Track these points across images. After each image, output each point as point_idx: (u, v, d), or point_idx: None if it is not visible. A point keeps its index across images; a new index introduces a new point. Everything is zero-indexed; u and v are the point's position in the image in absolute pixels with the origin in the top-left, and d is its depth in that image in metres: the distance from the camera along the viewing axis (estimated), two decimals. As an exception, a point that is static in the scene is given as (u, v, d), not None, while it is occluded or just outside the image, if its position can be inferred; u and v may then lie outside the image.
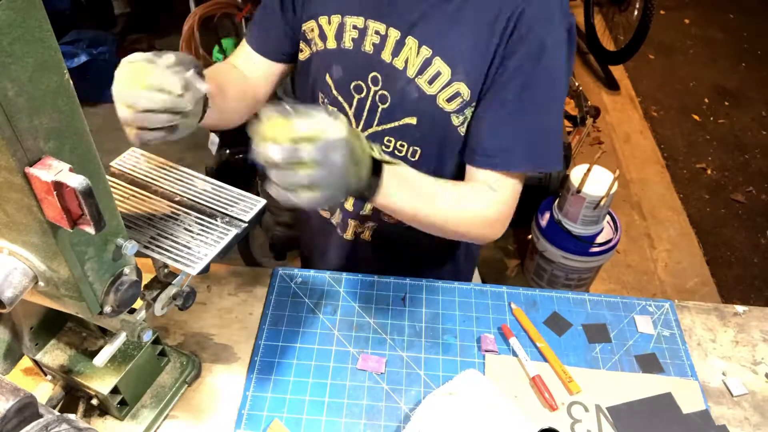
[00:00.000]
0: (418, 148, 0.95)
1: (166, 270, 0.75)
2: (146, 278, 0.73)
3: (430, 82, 0.87)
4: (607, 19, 3.74)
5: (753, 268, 2.56)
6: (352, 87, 0.93)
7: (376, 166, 0.74)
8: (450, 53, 0.85)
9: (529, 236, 2.25)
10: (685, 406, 0.89)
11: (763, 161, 3.10)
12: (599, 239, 2.07)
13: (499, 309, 1.02)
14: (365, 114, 0.95)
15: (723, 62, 3.75)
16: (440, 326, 0.99)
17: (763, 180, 2.99)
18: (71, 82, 0.50)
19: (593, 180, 1.95)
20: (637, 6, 3.32)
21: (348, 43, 0.90)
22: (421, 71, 0.87)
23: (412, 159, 0.96)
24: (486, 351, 0.95)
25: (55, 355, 0.80)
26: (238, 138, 2.53)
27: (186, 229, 0.73)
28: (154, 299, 0.75)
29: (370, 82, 0.91)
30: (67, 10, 3.43)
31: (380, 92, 0.91)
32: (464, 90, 0.86)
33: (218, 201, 0.77)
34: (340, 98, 0.95)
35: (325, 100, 0.98)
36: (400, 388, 0.91)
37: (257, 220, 0.76)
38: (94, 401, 0.80)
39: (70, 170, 0.49)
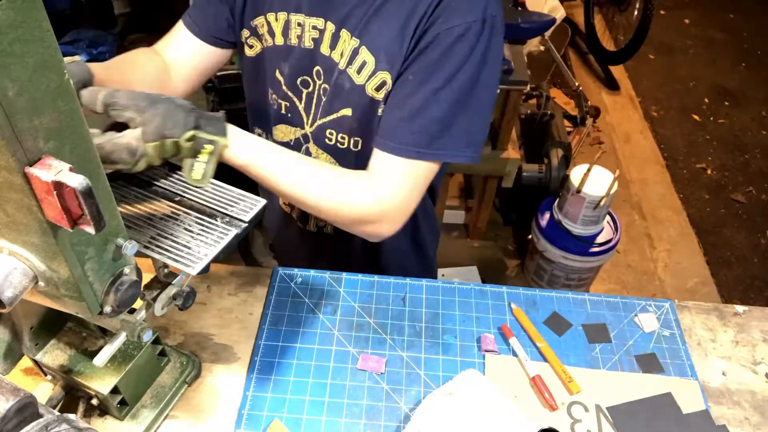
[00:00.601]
0: (359, 139, 0.96)
1: (166, 270, 0.75)
2: (146, 278, 0.73)
3: (359, 71, 0.88)
4: (607, 19, 3.74)
5: (753, 268, 2.56)
6: (299, 82, 0.95)
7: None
8: (374, 43, 0.86)
9: (529, 236, 2.25)
10: (685, 406, 0.89)
11: (763, 161, 3.10)
12: (599, 239, 2.07)
13: (499, 309, 1.02)
14: (313, 108, 0.96)
15: (723, 62, 3.76)
16: (440, 326, 0.99)
17: (763, 180, 2.99)
18: (71, 82, 0.50)
19: (593, 180, 1.95)
20: (637, 6, 3.32)
21: (294, 40, 0.92)
22: (350, 61, 0.88)
23: (355, 149, 0.97)
24: (486, 351, 0.95)
25: (55, 355, 0.80)
26: (238, 138, 2.53)
27: (186, 229, 0.73)
28: (154, 299, 0.75)
29: (315, 77, 0.93)
30: (67, 10, 3.43)
31: (323, 86, 0.93)
32: (388, 79, 0.87)
33: (218, 201, 0.77)
34: (290, 94, 0.97)
35: (275, 96, 0.99)
36: (400, 388, 0.91)
37: (257, 220, 0.76)
38: (94, 401, 0.80)
39: (70, 170, 0.49)
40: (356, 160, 0.97)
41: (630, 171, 2.97)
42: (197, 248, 0.70)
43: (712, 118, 3.36)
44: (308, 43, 0.91)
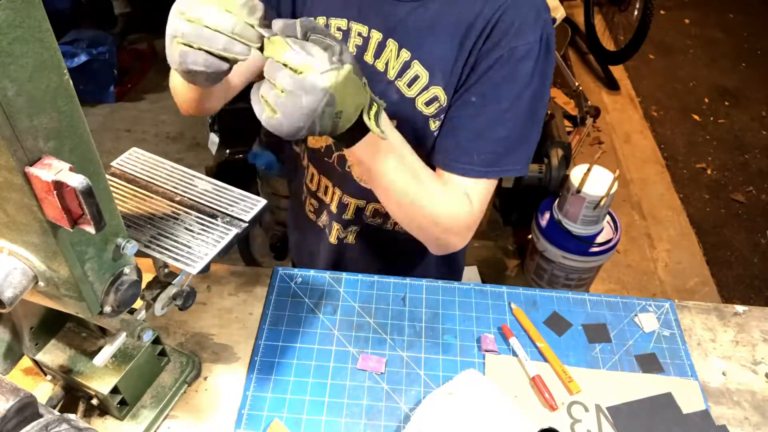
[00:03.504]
0: None
1: (166, 270, 0.76)
2: (146, 278, 0.73)
3: (409, 85, 0.88)
4: (607, 19, 3.74)
5: (753, 268, 2.56)
6: None
7: (362, 128, 0.71)
8: (428, 58, 0.86)
9: (529, 236, 2.25)
10: (685, 406, 0.89)
11: (763, 161, 3.10)
12: (599, 239, 2.07)
13: (499, 309, 1.02)
14: None
15: (723, 62, 3.76)
16: (440, 326, 0.99)
17: (763, 180, 2.99)
18: (71, 82, 0.50)
19: (593, 180, 1.95)
20: (637, 6, 3.32)
21: None
22: (400, 74, 0.88)
23: None
24: (486, 351, 0.95)
25: (55, 355, 0.80)
26: (238, 138, 2.53)
27: (186, 228, 0.73)
28: (154, 299, 0.75)
29: None
30: (67, 10, 3.43)
31: None
32: (441, 95, 0.87)
33: (219, 201, 0.77)
34: None
35: None
36: (400, 388, 0.91)
37: (258, 220, 0.76)
38: (94, 401, 0.80)
39: (70, 170, 0.49)
40: None
41: (630, 171, 2.97)
42: (197, 248, 0.70)
43: (712, 118, 3.36)
44: (351, 50, 0.89)
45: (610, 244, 2.06)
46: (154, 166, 0.81)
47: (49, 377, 0.85)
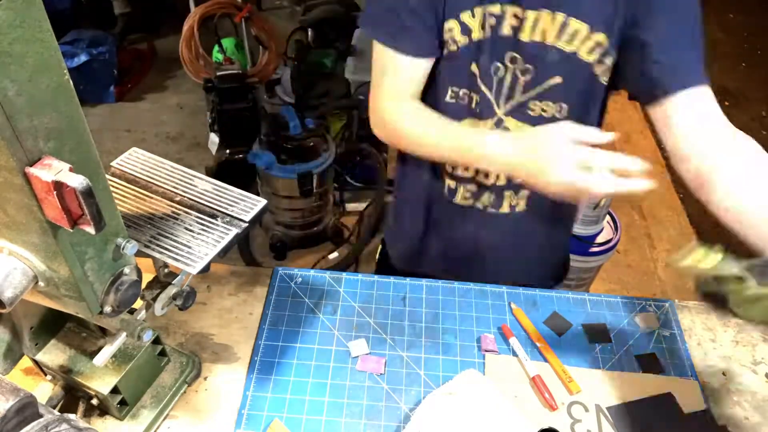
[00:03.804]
0: (564, 105, 0.97)
1: (166, 270, 0.76)
2: (146, 278, 0.73)
3: (570, 40, 0.91)
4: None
5: (753, 268, 2.56)
6: (492, 70, 0.95)
7: None
8: (583, 11, 0.88)
9: (529, 236, 2.24)
10: (685, 406, 0.89)
11: (763, 161, 3.10)
12: (599, 239, 2.07)
13: (499, 309, 1.02)
14: (505, 90, 0.96)
15: (723, 62, 3.76)
16: (440, 326, 0.99)
17: (763, 180, 2.99)
18: (71, 82, 0.50)
19: (593, 180, 1.95)
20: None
21: (488, 32, 0.92)
22: (559, 35, 0.90)
23: (559, 116, 0.98)
24: (486, 351, 0.95)
25: (55, 355, 0.80)
26: (238, 138, 2.53)
27: (186, 228, 0.73)
28: (154, 299, 0.75)
29: (508, 62, 0.94)
30: (67, 10, 3.44)
31: (521, 67, 0.94)
32: (603, 39, 0.90)
33: (219, 201, 0.77)
34: (482, 85, 0.96)
35: (465, 92, 0.98)
36: (400, 388, 0.91)
37: (257, 219, 0.76)
38: (94, 401, 0.80)
39: (70, 170, 0.49)
40: None
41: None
42: (197, 248, 0.70)
43: (712, 118, 3.36)
44: (507, 31, 0.91)
45: (610, 244, 2.06)
46: (154, 166, 0.81)
47: (49, 377, 0.85)
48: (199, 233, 0.72)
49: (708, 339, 1.00)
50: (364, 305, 1.01)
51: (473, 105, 0.98)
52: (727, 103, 3.46)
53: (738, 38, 3.99)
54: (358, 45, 2.68)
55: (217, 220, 0.74)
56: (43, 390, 0.85)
